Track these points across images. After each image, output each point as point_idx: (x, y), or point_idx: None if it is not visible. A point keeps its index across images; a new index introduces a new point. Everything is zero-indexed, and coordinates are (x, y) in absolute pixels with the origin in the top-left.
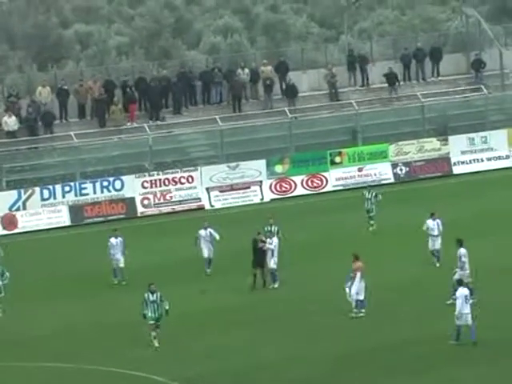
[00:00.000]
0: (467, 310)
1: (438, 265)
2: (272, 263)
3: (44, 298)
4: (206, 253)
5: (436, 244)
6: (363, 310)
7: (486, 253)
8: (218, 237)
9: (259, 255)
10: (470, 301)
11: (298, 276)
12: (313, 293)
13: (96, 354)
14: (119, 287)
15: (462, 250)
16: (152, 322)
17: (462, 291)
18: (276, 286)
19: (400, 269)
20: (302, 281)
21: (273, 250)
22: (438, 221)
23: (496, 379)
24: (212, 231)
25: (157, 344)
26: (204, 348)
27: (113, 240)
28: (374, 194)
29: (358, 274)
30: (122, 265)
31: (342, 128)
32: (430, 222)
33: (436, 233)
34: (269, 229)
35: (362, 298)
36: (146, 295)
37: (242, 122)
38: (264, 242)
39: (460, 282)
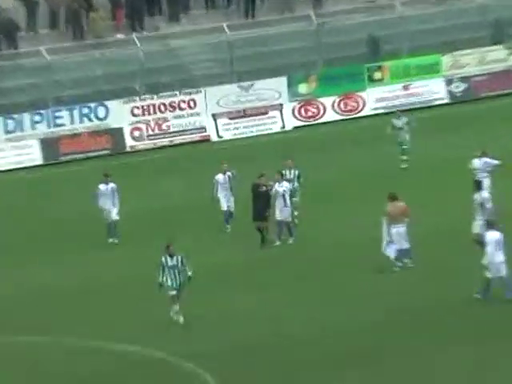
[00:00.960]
0: (500, 258)
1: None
2: (285, 214)
3: (11, 256)
4: (224, 204)
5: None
6: (406, 260)
7: None
8: (235, 173)
9: (261, 204)
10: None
11: (321, 225)
12: (338, 245)
13: (81, 324)
14: (106, 241)
15: (485, 194)
16: (173, 292)
17: (493, 235)
18: (291, 241)
19: (441, 215)
20: (325, 231)
21: (284, 197)
22: (485, 159)
23: None
24: (232, 175)
25: (182, 319)
26: (216, 315)
27: (102, 187)
28: (405, 120)
29: (383, 220)
30: (115, 217)
31: (383, 36)
32: (476, 162)
33: (482, 175)
34: (285, 173)
35: (395, 246)
36: (163, 259)
37: (256, 31)
38: (266, 186)
39: (491, 224)
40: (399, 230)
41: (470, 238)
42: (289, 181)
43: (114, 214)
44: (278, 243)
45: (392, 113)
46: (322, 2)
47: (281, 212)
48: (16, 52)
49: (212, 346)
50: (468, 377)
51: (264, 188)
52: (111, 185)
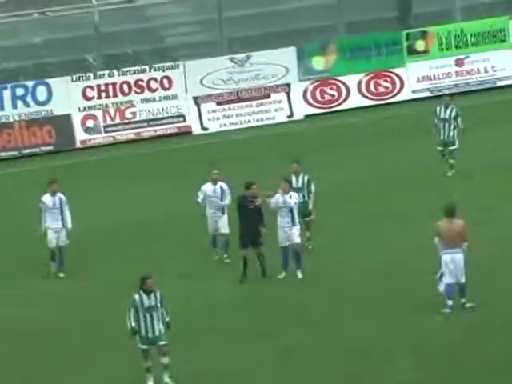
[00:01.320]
0: None
1: None
2: (293, 236)
3: None
4: (211, 226)
5: None
6: (463, 300)
7: None
8: (228, 201)
9: (251, 224)
10: None
11: (342, 249)
12: (368, 275)
13: None
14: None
15: None
16: (145, 346)
17: None
18: (300, 275)
19: (498, 233)
20: (348, 256)
21: (292, 212)
22: None
23: None
24: (224, 187)
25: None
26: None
27: (47, 198)
28: (453, 111)
29: (436, 240)
30: (64, 242)
31: None
32: None
33: None
34: (292, 179)
35: (446, 280)
36: (136, 297)
37: None
38: (261, 198)
39: None
40: (455, 256)
41: None
42: (298, 190)
43: (63, 238)
44: (283, 275)
45: (439, 97)
46: None
47: (287, 234)
48: None
49: None
50: None
51: (258, 202)
52: (59, 196)
